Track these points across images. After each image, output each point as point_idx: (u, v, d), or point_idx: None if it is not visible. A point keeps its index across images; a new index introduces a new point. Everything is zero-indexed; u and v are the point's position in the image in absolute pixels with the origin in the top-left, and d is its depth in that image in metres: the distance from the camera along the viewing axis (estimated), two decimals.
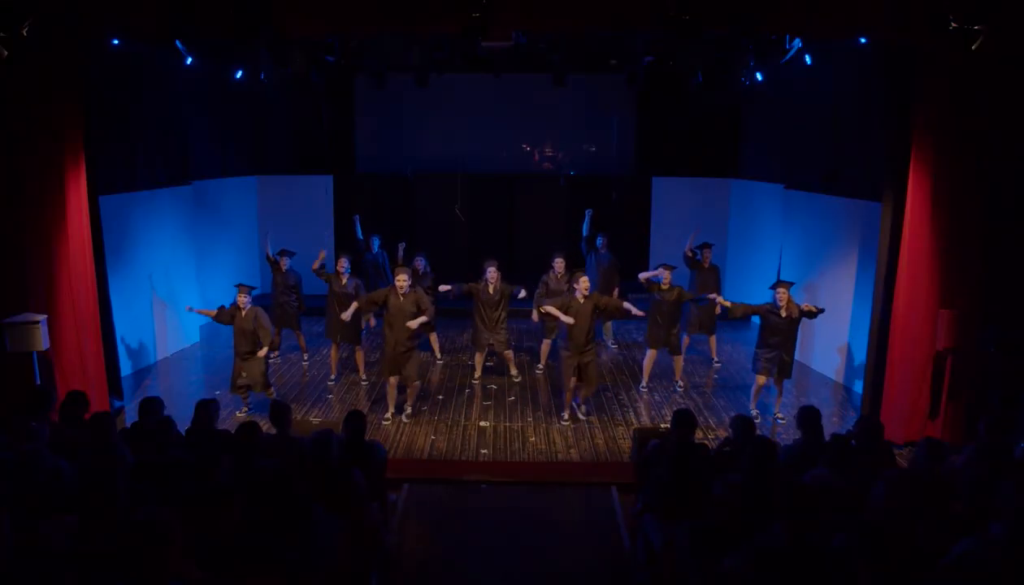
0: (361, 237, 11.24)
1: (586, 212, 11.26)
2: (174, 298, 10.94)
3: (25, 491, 4.15)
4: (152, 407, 5.94)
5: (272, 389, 8.72)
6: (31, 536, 3.49)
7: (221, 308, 8.67)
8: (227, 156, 13.21)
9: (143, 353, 10.32)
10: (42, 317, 7.23)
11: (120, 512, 3.74)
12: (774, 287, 8.29)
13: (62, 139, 7.53)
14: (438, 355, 10.77)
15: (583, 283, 8.19)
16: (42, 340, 7.17)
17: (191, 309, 9.00)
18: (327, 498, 4.57)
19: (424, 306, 8.30)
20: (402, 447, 7.85)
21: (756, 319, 8.90)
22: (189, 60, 7.99)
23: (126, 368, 9.61)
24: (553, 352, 10.13)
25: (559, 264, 10.05)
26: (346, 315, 8.52)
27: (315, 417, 8.49)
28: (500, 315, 9.49)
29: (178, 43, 7.26)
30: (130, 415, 8.26)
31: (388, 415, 8.49)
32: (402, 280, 8.24)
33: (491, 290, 9.41)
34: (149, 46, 8.69)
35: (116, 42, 7.62)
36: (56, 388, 7.34)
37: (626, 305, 8.31)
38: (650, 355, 9.49)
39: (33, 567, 3.13)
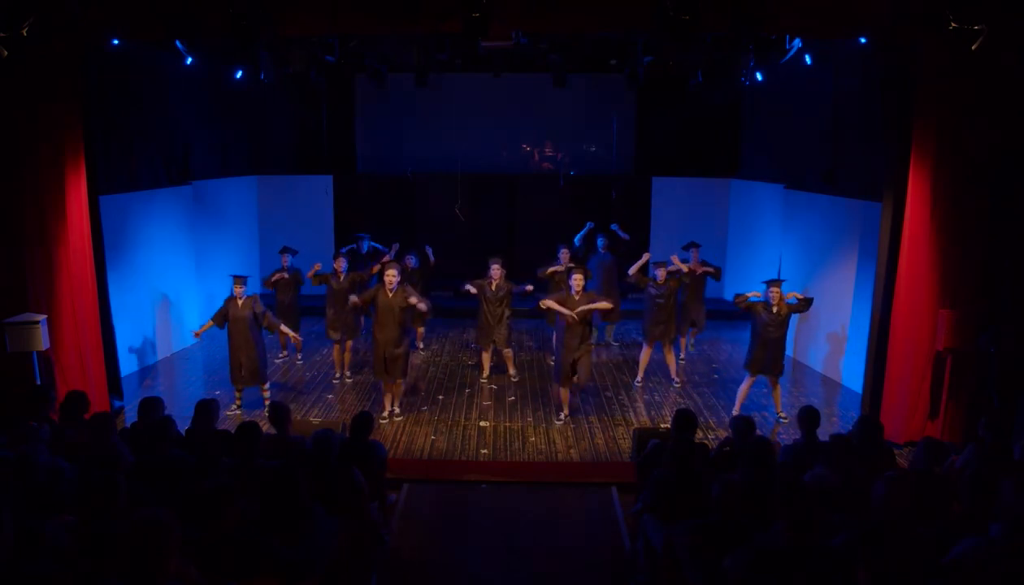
0: (367, 251, 11.18)
1: (587, 224, 11.24)
2: (174, 298, 10.94)
3: (25, 491, 4.15)
4: (152, 407, 5.93)
5: (267, 386, 8.70)
6: (31, 536, 3.48)
7: (215, 314, 8.46)
8: (227, 156, 13.21)
9: (143, 353, 10.31)
10: (42, 317, 7.24)
11: (120, 512, 3.74)
12: (768, 284, 8.26)
13: (62, 139, 7.54)
14: (419, 345, 11.09)
15: (577, 280, 8.13)
16: (42, 340, 7.17)
17: (197, 334, 8.49)
18: (327, 498, 4.58)
19: (416, 300, 8.07)
20: (402, 447, 7.84)
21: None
22: (189, 60, 7.99)
23: (126, 368, 9.60)
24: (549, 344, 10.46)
25: (564, 255, 10.26)
26: (354, 299, 8.40)
27: (315, 417, 8.48)
28: (503, 312, 9.52)
29: (178, 43, 7.26)
30: (130, 415, 8.26)
31: (385, 414, 8.49)
32: (391, 276, 8.08)
33: (494, 287, 9.45)
34: (149, 46, 8.69)
35: (116, 42, 7.62)
36: (56, 388, 7.34)
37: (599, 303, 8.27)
38: (646, 351, 9.64)
39: (33, 567, 3.13)
